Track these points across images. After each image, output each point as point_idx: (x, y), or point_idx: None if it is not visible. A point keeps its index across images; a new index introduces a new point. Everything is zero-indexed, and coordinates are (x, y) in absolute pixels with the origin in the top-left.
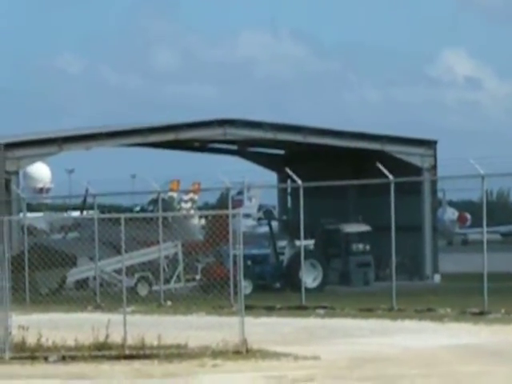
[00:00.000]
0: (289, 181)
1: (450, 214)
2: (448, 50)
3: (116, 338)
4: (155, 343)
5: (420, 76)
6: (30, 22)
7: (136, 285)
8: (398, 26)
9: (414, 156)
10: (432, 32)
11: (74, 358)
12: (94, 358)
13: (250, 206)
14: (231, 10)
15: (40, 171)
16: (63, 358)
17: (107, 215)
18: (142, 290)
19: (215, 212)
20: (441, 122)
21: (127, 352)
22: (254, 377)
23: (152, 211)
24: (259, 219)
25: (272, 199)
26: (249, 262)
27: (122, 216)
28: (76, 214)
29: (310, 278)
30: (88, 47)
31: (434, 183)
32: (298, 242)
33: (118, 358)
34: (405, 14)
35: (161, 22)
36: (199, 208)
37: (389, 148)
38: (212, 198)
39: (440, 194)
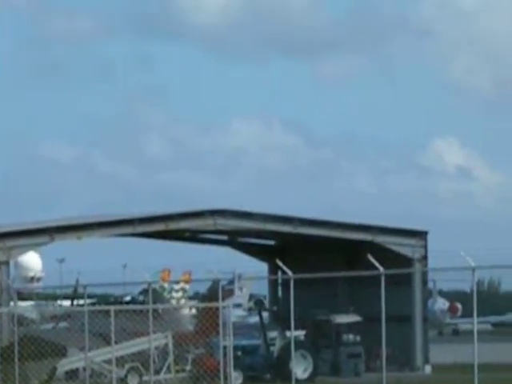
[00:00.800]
0: (279, 272)
1: (441, 304)
2: (439, 139)
3: None
4: None
5: (411, 165)
6: (21, 108)
7: (126, 376)
8: (390, 115)
9: (404, 247)
10: (423, 121)
11: None
12: None
13: (241, 295)
14: (222, 98)
15: (31, 260)
16: None
17: (97, 307)
18: (132, 381)
19: (205, 304)
20: (432, 212)
21: None
22: None
23: (143, 301)
24: (250, 309)
25: (263, 289)
26: (239, 353)
27: (112, 308)
28: (67, 303)
29: (300, 368)
30: (79, 135)
31: (424, 274)
32: (288, 333)
33: None
34: (396, 103)
35: (152, 111)
36: (190, 297)
37: (379, 239)
38: (203, 288)
39: (431, 284)
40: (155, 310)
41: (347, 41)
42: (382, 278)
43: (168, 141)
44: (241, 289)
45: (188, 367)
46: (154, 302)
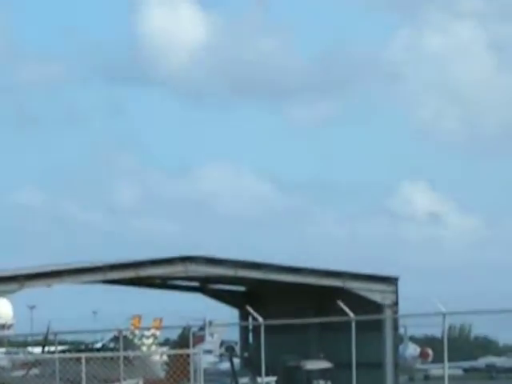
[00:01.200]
0: (250, 318)
1: (412, 349)
2: (409, 183)
3: None
4: None
5: (382, 209)
6: None
7: None
8: (360, 159)
9: (375, 293)
10: (394, 164)
11: None
12: None
13: (212, 341)
14: (193, 144)
15: (1, 308)
16: None
17: (68, 355)
18: None
19: (176, 351)
20: (402, 257)
21: None
22: None
23: (114, 348)
24: (221, 355)
25: (234, 335)
26: None
27: (83, 355)
28: (38, 350)
29: None
30: (50, 182)
31: (395, 320)
32: (259, 379)
33: None
34: (366, 146)
35: (123, 157)
36: (161, 344)
37: (350, 285)
38: (173, 334)
39: (401, 330)
40: (126, 357)
41: (317, 84)
42: (353, 324)
43: (139, 187)
44: (212, 335)
45: None
46: (125, 349)
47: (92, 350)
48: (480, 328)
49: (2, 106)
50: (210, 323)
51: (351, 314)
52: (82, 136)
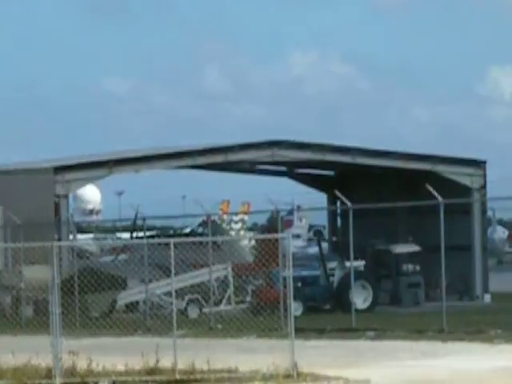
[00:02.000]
0: (338, 202)
1: (501, 233)
2: (495, 67)
3: (166, 362)
4: (206, 367)
5: (469, 94)
6: (78, 42)
7: (186, 308)
8: (445, 45)
9: (463, 176)
10: (479, 49)
11: (124, 383)
12: (145, 383)
13: (300, 226)
14: (279, 29)
15: (90, 193)
16: (114, 383)
17: (156, 240)
18: (192, 313)
19: (264, 236)
20: (490, 140)
21: (178, 377)
22: None
23: (202, 233)
24: (309, 240)
25: (322, 219)
26: (299, 284)
27: (172, 241)
28: (126, 236)
29: (360, 299)
30: (137, 69)
31: (483, 203)
32: (347, 263)
33: (168, 382)
34: (452, 32)
35: (210, 43)
36: (249, 229)
37: (438, 168)
38: (262, 219)
39: (490, 214)
40: (214, 242)
41: None
42: (441, 208)
43: (226, 73)
44: (300, 219)
45: (248, 298)
46: (214, 234)
47: (180, 235)
48: None
49: None
50: (299, 207)
51: (440, 198)
52: (170, 22)
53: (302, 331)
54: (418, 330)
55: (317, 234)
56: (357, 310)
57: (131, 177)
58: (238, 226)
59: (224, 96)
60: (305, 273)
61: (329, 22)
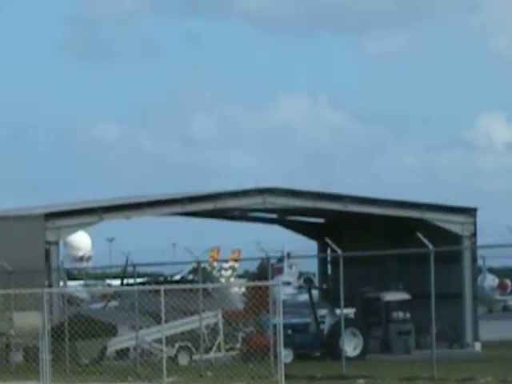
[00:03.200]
0: (329, 250)
1: (490, 280)
2: (486, 115)
3: None
4: None
5: (459, 141)
6: (66, 88)
7: (176, 355)
8: (435, 92)
9: (453, 224)
10: (470, 97)
11: None
12: None
13: (290, 273)
14: (269, 75)
15: (80, 240)
16: None
17: (147, 287)
18: (183, 360)
19: (255, 283)
20: (481, 187)
21: None
22: None
23: (192, 280)
24: (299, 287)
25: (312, 267)
26: (289, 331)
27: (162, 288)
28: (116, 282)
29: (350, 346)
30: (127, 115)
31: (474, 251)
32: (338, 311)
33: None
34: (442, 79)
35: (198, 90)
36: (239, 276)
37: (428, 216)
38: (252, 266)
39: (480, 262)
40: (205, 289)
41: (393, 15)
42: (432, 256)
43: (215, 119)
44: (290, 267)
45: (238, 345)
46: (204, 281)
47: (171, 282)
48: None
49: (79, 39)
50: (289, 255)
51: (430, 246)
52: (158, 68)
53: (292, 378)
54: (409, 378)
55: (307, 281)
56: (347, 358)
57: (122, 223)
58: (229, 273)
59: (213, 142)
60: (295, 320)
61: (319, 68)
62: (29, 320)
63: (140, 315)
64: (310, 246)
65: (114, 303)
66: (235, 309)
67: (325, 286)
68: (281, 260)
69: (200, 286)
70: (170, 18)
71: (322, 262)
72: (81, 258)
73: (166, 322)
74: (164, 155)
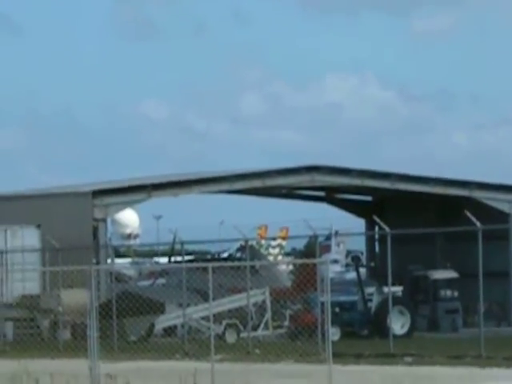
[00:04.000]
0: (376, 227)
1: None
2: None
3: None
4: None
5: (507, 120)
6: (115, 66)
7: (224, 332)
8: (484, 70)
9: (502, 202)
10: None
11: None
12: None
13: (338, 251)
14: (317, 54)
15: (128, 217)
16: None
17: (195, 264)
18: (230, 338)
19: (303, 260)
20: None
21: None
22: None
23: (240, 258)
24: (347, 265)
25: (360, 245)
26: (337, 309)
27: (210, 265)
28: (164, 260)
29: (398, 324)
30: (175, 94)
31: None
32: (385, 289)
33: None
34: (490, 57)
35: (247, 68)
36: (287, 253)
37: (477, 194)
38: (300, 244)
39: None
40: (252, 267)
41: None
42: (480, 234)
43: (263, 98)
44: (338, 245)
45: (286, 323)
46: (252, 259)
47: (218, 259)
48: None
49: (127, 18)
50: (337, 233)
51: (478, 224)
52: (206, 47)
53: (339, 356)
54: (456, 356)
55: (355, 259)
56: (394, 336)
57: (169, 201)
58: (276, 250)
59: (260, 121)
60: (342, 298)
61: (366, 47)
62: (76, 297)
63: (188, 293)
64: (357, 224)
65: (161, 281)
66: (283, 286)
67: (372, 264)
68: (328, 238)
69: (248, 263)
70: None
71: (370, 240)
72: (128, 236)
73: (213, 299)
74: (212, 133)
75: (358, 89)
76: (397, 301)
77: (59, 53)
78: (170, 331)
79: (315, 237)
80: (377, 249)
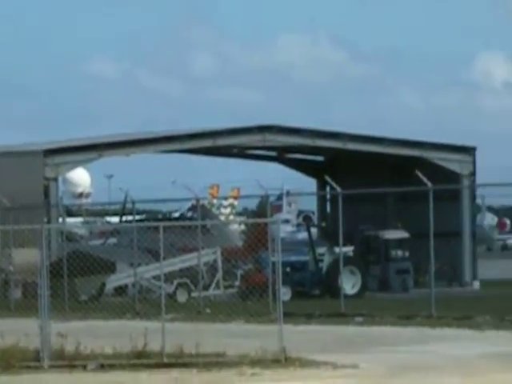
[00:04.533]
0: (328, 187)
1: (490, 219)
2: (486, 53)
3: (154, 346)
4: (194, 351)
5: (458, 81)
6: (67, 25)
7: (175, 292)
8: (436, 30)
9: (453, 162)
10: (470, 35)
11: (112, 367)
12: (133, 367)
13: (290, 211)
14: (269, 13)
15: (80, 176)
16: (102, 367)
17: (146, 224)
18: (181, 297)
19: (254, 220)
20: (479, 128)
21: (166, 360)
22: None
23: (191, 217)
24: (298, 225)
25: (311, 205)
26: (288, 269)
27: (161, 225)
28: (115, 219)
29: (349, 284)
30: (125, 52)
31: (473, 190)
32: (337, 249)
33: (156, 366)
34: (442, 18)
35: (198, 27)
36: (238, 213)
37: (428, 154)
38: (251, 204)
39: (479, 200)
40: (204, 226)
41: None
42: (431, 194)
43: (215, 57)
44: (289, 205)
45: (237, 283)
46: (203, 218)
47: (170, 219)
48: None
49: None
50: (288, 193)
51: (429, 184)
52: (159, 5)
53: (290, 316)
54: (407, 316)
55: (306, 219)
56: (345, 296)
57: (121, 160)
58: (228, 210)
59: (212, 80)
60: (294, 258)
61: (319, 7)
62: (27, 256)
63: (139, 252)
64: (309, 184)
65: (112, 240)
66: (234, 246)
67: (324, 224)
68: (280, 198)
69: (199, 223)
70: None
71: (321, 200)
72: (80, 195)
73: (164, 259)
74: (164, 93)
75: (310, 49)
76: (348, 261)
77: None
78: (120, 291)
79: (266, 197)
80: (328, 209)
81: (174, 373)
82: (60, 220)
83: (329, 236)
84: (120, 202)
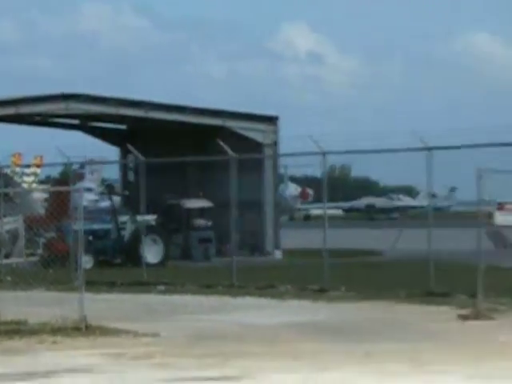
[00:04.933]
0: (131, 156)
1: (292, 189)
2: (289, 24)
3: None
4: None
5: (262, 50)
6: None
7: None
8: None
9: (255, 132)
10: (275, 5)
11: None
12: None
13: (92, 179)
14: None
15: None
16: None
17: None
18: None
19: (56, 188)
20: (282, 98)
21: None
22: (92, 354)
23: None
24: (101, 194)
25: (114, 174)
26: (90, 237)
27: None
28: None
29: (151, 253)
30: None
31: (275, 159)
32: (139, 218)
33: None
34: None
35: None
36: (41, 181)
37: (230, 124)
38: (54, 172)
39: (282, 170)
40: (6, 194)
41: None
42: (233, 163)
43: (17, 24)
44: (92, 173)
45: (39, 251)
46: (6, 186)
47: None
48: (360, 169)
49: None
50: (91, 161)
51: (230, 152)
52: None
53: (92, 285)
54: (209, 285)
55: (108, 187)
56: (148, 264)
57: None
58: (31, 178)
59: (14, 48)
60: (96, 226)
61: None
62: None
63: None
64: (113, 152)
65: None
66: (36, 214)
67: (126, 193)
68: (83, 166)
69: (1, 190)
70: None
71: (124, 169)
72: None
73: None
74: None
75: (113, 16)
76: (150, 230)
77: None
78: None
79: (69, 164)
80: (131, 177)
81: None
82: None
83: (131, 205)
84: None
